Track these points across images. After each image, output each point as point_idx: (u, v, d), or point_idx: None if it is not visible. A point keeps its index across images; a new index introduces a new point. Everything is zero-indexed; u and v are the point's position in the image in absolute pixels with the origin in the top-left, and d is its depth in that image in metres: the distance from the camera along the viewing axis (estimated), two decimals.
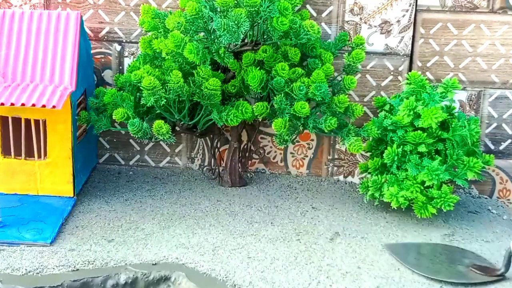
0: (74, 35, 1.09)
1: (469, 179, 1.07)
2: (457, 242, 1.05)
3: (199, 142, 1.24)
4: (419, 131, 1.06)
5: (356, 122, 1.14)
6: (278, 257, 0.98)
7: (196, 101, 1.07)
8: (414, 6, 1.16)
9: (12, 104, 1.01)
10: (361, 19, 1.17)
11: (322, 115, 1.08)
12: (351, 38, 1.17)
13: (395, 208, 1.07)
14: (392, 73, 1.19)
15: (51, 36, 1.09)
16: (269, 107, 1.08)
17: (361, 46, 1.13)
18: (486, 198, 1.20)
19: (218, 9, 1.03)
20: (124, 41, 1.20)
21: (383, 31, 1.17)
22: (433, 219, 1.09)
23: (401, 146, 1.07)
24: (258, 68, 1.06)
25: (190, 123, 1.10)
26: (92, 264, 0.95)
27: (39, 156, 1.09)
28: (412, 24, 1.17)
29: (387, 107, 1.14)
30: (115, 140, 1.24)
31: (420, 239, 1.05)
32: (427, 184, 1.05)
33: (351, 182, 1.22)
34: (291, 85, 1.06)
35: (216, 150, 1.22)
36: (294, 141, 1.22)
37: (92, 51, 1.19)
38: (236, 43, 1.03)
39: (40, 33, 1.09)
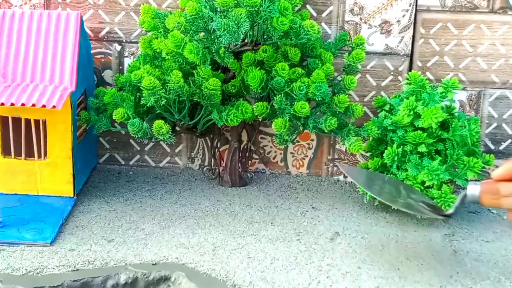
0: (74, 35, 1.09)
1: (469, 179, 1.07)
2: (457, 242, 1.05)
3: (199, 142, 1.24)
4: (419, 131, 1.06)
5: (356, 122, 1.14)
6: (278, 257, 0.98)
7: (196, 101, 1.07)
8: (414, 6, 1.16)
9: (12, 104, 1.01)
10: (361, 19, 1.17)
11: (322, 115, 1.08)
12: (351, 38, 1.17)
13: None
14: (392, 73, 1.19)
15: (51, 36, 1.09)
16: (269, 107, 1.08)
17: (361, 46, 1.13)
18: None
19: (218, 9, 1.03)
20: (124, 41, 1.20)
21: (383, 31, 1.17)
22: (433, 219, 1.09)
23: (401, 146, 1.07)
24: (258, 68, 1.06)
25: (190, 123, 1.10)
26: (92, 264, 0.95)
27: (39, 156, 1.09)
28: (412, 24, 1.17)
29: (387, 107, 1.14)
30: (115, 140, 1.24)
31: (420, 239, 1.05)
32: (427, 184, 1.05)
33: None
34: (291, 85, 1.06)
35: (216, 150, 1.22)
36: (294, 141, 1.22)
37: (92, 51, 1.19)
38: (236, 43, 1.03)
39: (40, 33, 1.09)
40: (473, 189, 0.87)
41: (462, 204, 0.91)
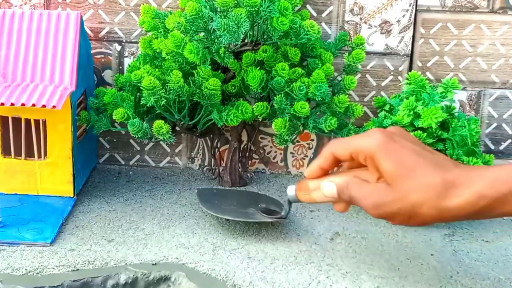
0: (74, 35, 1.09)
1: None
2: (457, 242, 1.05)
3: (199, 142, 1.24)
4: (419, 131, 1.06)
5: (356, 122, 1.14)
6: (278, 257, 0.98)
7: (196, 101, 1.07)
8: (414, 6, 1.16)
9: (12, 104, 1.01)
10: (361, 19, 1.17)
11: (322, 115, 1.08)
12: (351, 38, 1.17)
13: None
14: (392, 73, 1.19)
15: (51, 36, 1.09)
16: (269, 107, 1.08)
17: (361, 46, 1.13)
18: None
19: (218, 9, 1.03)
20: (124, 41, 1.20)
21: (383, 31, 1.17)
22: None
23: None
24: (258, 68, 1.06)
25: (190, 123, 1.10)
26: (92, 264, 0.95)
27: (39, 156, 1.09)
28: (412, 24, 1.17)
29: (387, 107, 1.14)
30: (115, 140, 1.24)
31: (420, 239, 1.05)
32: None
33: None
34: (291, 85, 1.06)
35: (216, 150, 1.22)
36: (294, 141, 1.22)
37: (92, 51, 1.19)
38: (236, 43, 1.03)
39: (40, 33, 1.09)
40: (290, 190, 0.95)
41: (289, 205, 0.99)
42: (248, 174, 1.22)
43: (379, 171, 0.84)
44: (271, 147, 1.23)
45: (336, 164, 0.90)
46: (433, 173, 0.81)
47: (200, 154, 1.25)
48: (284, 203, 1.02)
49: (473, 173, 0.82)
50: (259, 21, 1.03)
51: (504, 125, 1.20)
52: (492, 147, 1.21)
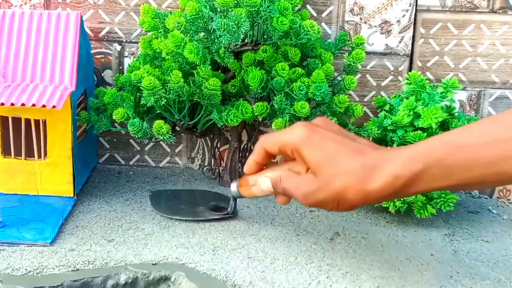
0: (74, 35, 1.09)
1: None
2: (457, 242, 1.05)
3: (199, 142, 1.24)
4: (419, 131, 1.06)
5: (356, 122, 1.14)
6: (278, 257, 0.98)
7: (196, 101, 1.07)
8: (414, 6, 1.16)
9: (12, 104, 1.01)
10: (361, 19, 1.17)
11: (322, 115, 1.08)
12: (351, 38, 1.17)
13: (391, 210, 1.07)
14: (392, 73, 1.19)
15: (51, 36, 1.09)
16: (269, 107, 1.08)
17: (361, 46, 1.13)
18: (486, 198, 1.20)
19: (218, 9, 1.03)
20: (124, 41, 1.20)
21: (383, 31, 1.17)
22: (433, 219, 1.10)
23: None
24: (258, 68, 1.06)
25: (190, 123, 1.10)
26: (92, 264, 0.95)
27: (39, 156, 1.09)
28: (412, 24, 1.17)
29: (387, 107, 1.14)
30: (115, 140, 1.24)
31: (420, 239, 1.05)
32: None
33: None
34: (291, 85, 1.06)
35: (216, 150, 1.22)
36: None
37: (92, 51, 1.20)
38: (236, 43, 1.03)
39: (40, 33, 1.09)
40: (233, 187, 1.00)
41: (234, 201, 1.05)
42: None
43: (305, 162, 0.88)
44: None
45: (269, 158, 0.94)
46: (353, 159, 0.84)
47: (200, 154, 1.25)
48: (231, 198, 1.06)
49: (389, 155, 0.84)
50: (259, 21, 1.04)
51: None
52: None
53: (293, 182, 0.90)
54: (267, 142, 0.93)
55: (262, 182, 0.95)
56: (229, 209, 1.06)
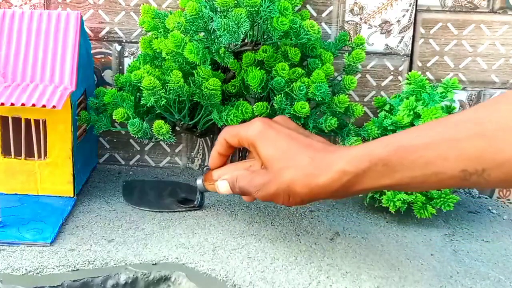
0: (74, 35, 1.09)
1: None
2: (457, 242, 1.05)
3: (199, 142, 1.24)
4: None
5: (356, 122, 1.14)
6: (278, 257, 0.98)
7: (196, 101, 1.07)
8: (414, 6, 1.16)
9: (12, 104, 1.01)
10: (361, 19, 1.17)
11: (322, 115, 1.08)
12: (351, 38, 1.17)
13: (391, 209, 1.07)
14: (392, 73, 1.19)
15: (51, 36, 1.09)
16: (269, 107, 1.08)
17: (361, 46, 1.13)
18: (486, 198, 1.20)
19: (218, 9, 1.03)
20: (124, 41, 1.20)
21: (383, 31, 1.17)
22: (433, 219, 1.10)
23: None
24: (258, 68, 1.06)
25: (190, 123, 1.10)
26: (92, 264, 0.95)
27: (39, 156, 1.09)
28: (412, 24, 1.17)
29: (387, 107, 1.14)
30: (115, 140, 1.24)
31: (420, 239, 1.05)
32: None
33: None
34: (291, 85, 1.06)
35: None
36: None
37: (92, 51, 1.20)
38: (236, 43, 1.03)
39: (40, 33, 1.09)
40: (199, 181, 1.04)
41: (201, 194, 1.09)
42: None
43: (260, 157, 0.91)
44: None
45: (231, 149, 0.99)
46: (303, 154, 0.88)
47: (200, 154, 1.25)
48: (197, 191, 1.09)
49: (338, 152, 0.87)
50: (259, 21, 1.03)
51: None
52: None
53: (247, 178, 0.93)
54: (227, 134, 0.97)
55: (220, 185, 0.99)
56: (195, 202, 1.10)
